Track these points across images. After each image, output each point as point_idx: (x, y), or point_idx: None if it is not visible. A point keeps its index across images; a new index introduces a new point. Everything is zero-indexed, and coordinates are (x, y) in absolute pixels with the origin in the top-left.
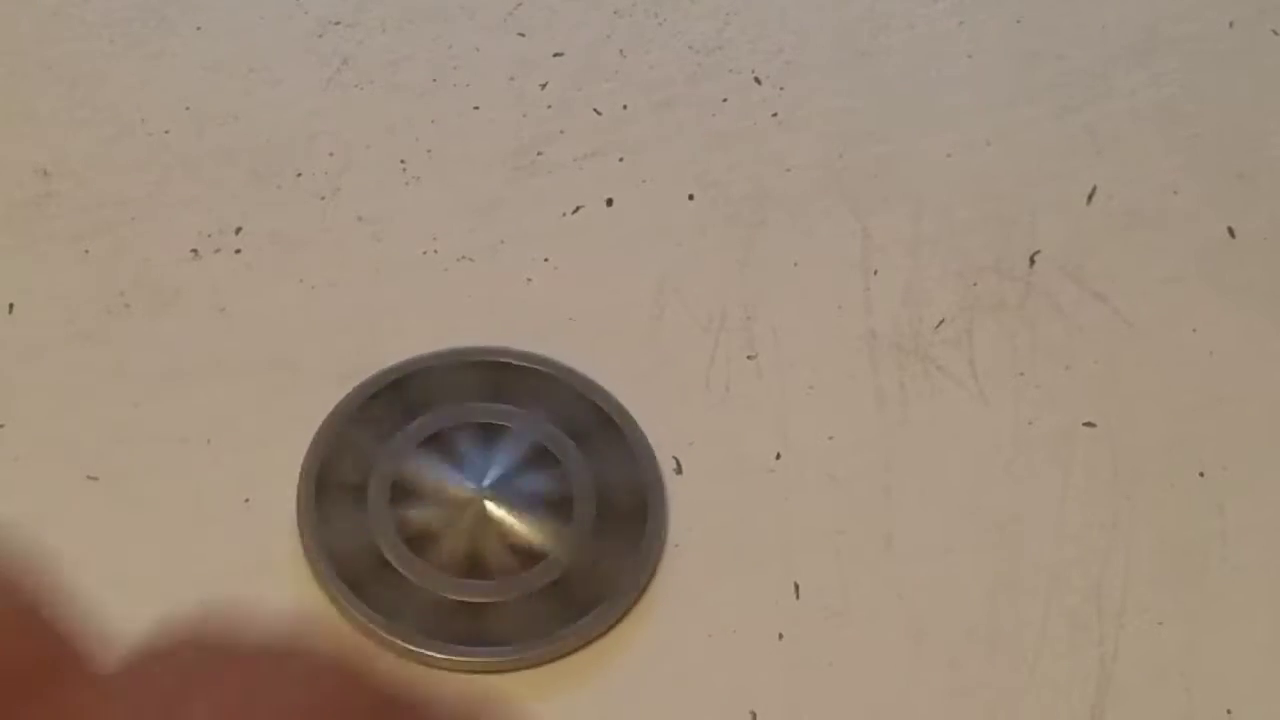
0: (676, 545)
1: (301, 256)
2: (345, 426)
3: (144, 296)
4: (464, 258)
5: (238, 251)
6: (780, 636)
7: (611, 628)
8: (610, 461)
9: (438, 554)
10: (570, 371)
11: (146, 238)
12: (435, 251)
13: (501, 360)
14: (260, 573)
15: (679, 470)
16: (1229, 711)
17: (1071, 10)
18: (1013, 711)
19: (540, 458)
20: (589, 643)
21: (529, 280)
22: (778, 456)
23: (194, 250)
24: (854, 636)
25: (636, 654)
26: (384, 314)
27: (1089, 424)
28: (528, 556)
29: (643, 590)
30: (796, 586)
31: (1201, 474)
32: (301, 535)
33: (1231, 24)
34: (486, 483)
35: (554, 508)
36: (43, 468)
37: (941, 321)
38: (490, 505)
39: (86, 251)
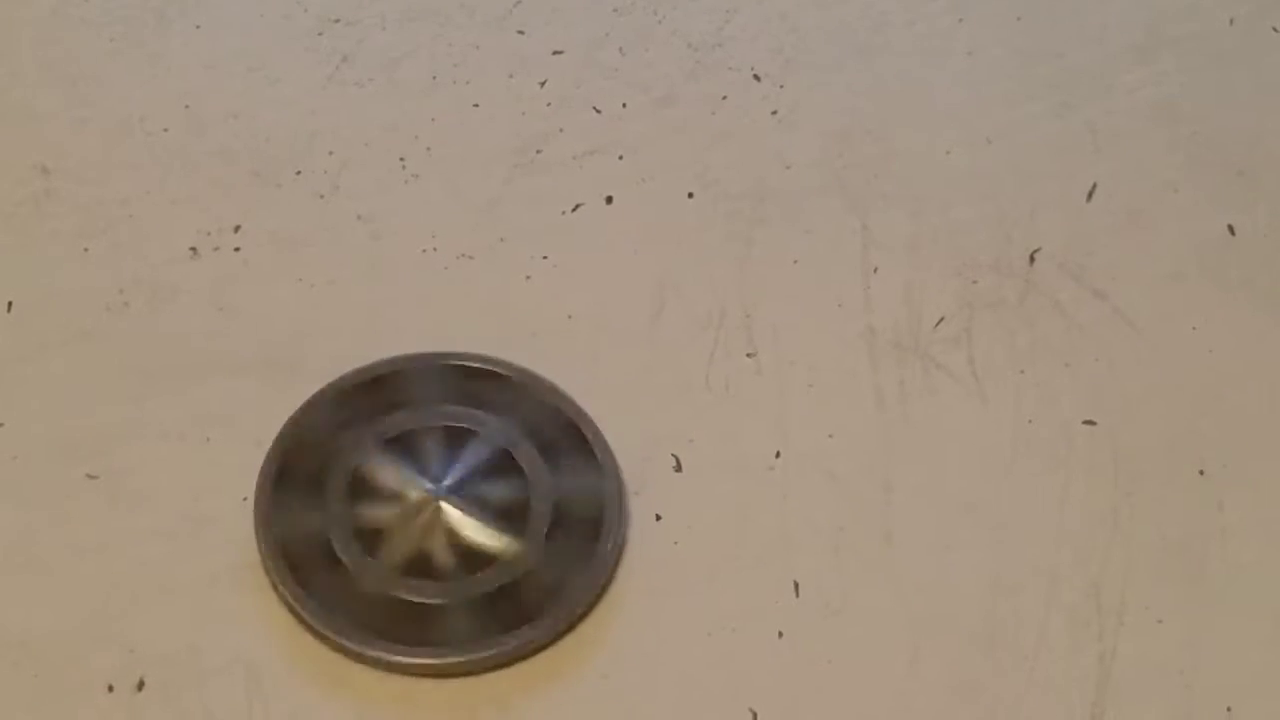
0: (676, 544)
1: (301, 255)
2: (312, 423)
3: (144, 296)
4: (463, 256)
5: (237, 250)
6: (780, 635)
7: (562, 636)
8: (573, 473)
9: (388, 552)
10: (541, 380)
11: (146, 237)
12: (435, 250)
13: (474, 365)
14: (239, 572)
15: (679, 469)
16: (1229, 710)
17: (1071, 9)
18: (1013, 711)
19: (503, 464)
20: (541, 649)
21: (528, 278)
22: (777, 455)
23: (194, 249)
24: (854, 636)
25: (620, 654)
26: (383, 312)
27: (1089, 422)
28: (476, 561)
29: (595, 601)
30: (796, 586)
31: (1201, 472)
32: (256, 531)
33: (1232, 22)
34: (445, 484)
35: (510, 515)
36: (43, 468)
37: (941, 320)
38: (446, 507)
39: (86, 251)
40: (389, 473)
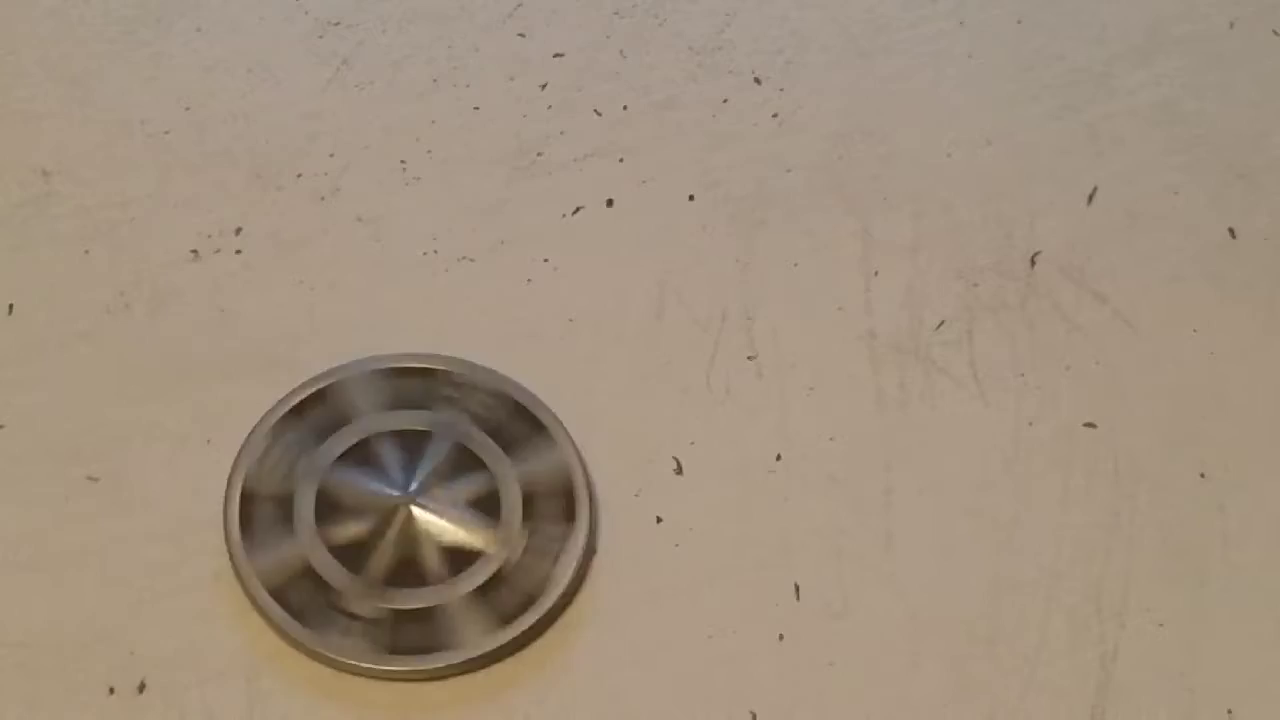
0: (676, 546)
1: (301, 257)
2: (266, 448)
3: (144, 296)
4: (464, 258)
5: (238, 252)
6: (781, 638)
7: (554, 621)
8: (531, 454)
9: (371, 566)
10: (487, 371)
11: (146, 238)
12: (435, 252)
13: (415, 366)
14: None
15: (679, 471)
16: (1230, 712)
17: (1071, 10)
18: (1013, 711)
19: (463, 459)
20: (535, 639)
21: (529, 281)
22: (778, 458)
23: (194, 252)
24: (855, 638)
25: (621, 655)
26: (384, 314)
27: (1089, 424)
28: (462, 557)
29: (579, 582)
30: (797, 588)
31: (1202, 474)
32: (237, 574)
33: (1232, 24)
34: (411, 489)
35: (482, 507)
36: (43, 469)
37: (942, 322)
38: (417, 511)
39: (86, 251)
40: (352, 487)
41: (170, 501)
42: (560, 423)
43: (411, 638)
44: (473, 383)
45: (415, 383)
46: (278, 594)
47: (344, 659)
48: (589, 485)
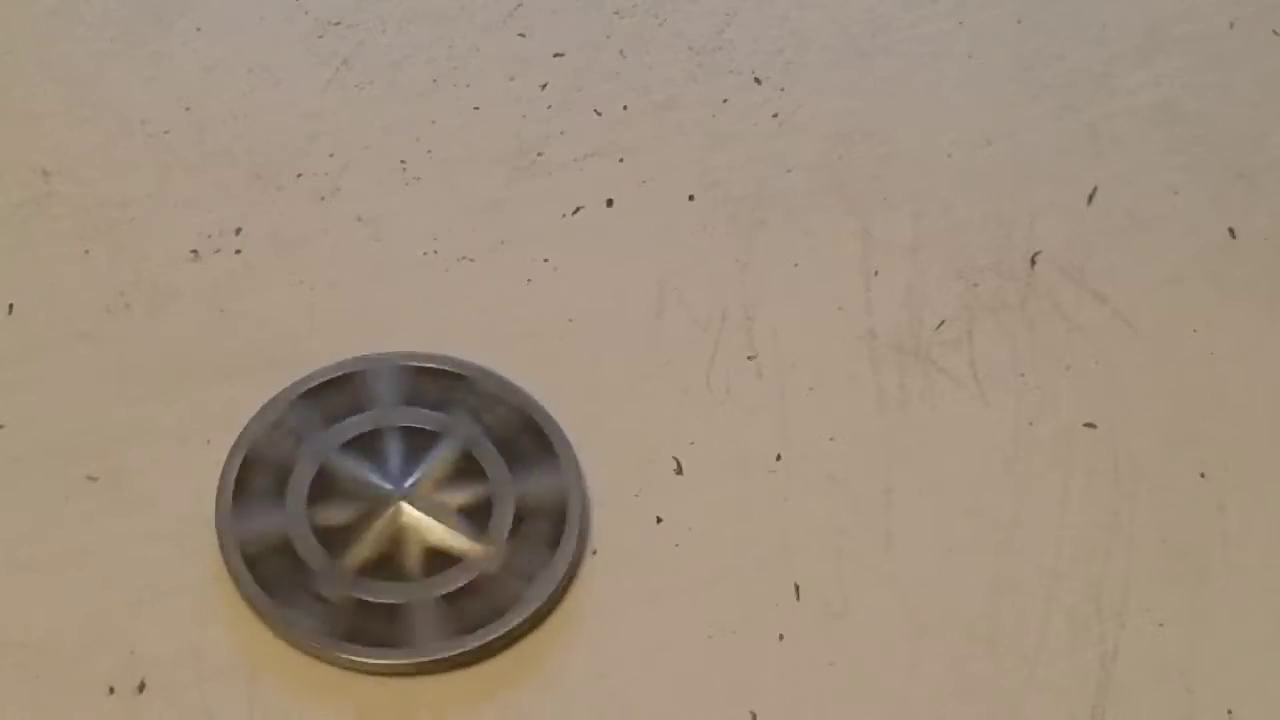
0: (676, 546)
1: (301, 257)
2: (275, 422)
3: (144, 296)
4: (464, 258)
5: (238, 252)
6: (781, 638)
7: (540, 625)
8: (534, 475)
9: (352, 553)
10: (502, 379)
11: (146, 238)
12: (435, 252)
13: (440, 368)
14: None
15: (679, 471)
16: (1230, 712)
17: (1071, 10)
18: (1013, 711)
19: (466, 467)
20: (515, 643)
21: (529, 281)
22: (778, 457)
23: (194, 250)
24: (855, 639)
25: (621, 655)
26: (384, 315)
27: (1089, 424)
28: (441, 560)
29: (558, 600)
30: (797, 588)
31: (1202, 474)
32: (218, 531)
33: (1232, 24)
34: (406, 486)
35: (473, 515)
36: (43, 469)
37: (942, 322)
38: (407, 508)
39: (86, 251)
40: (350, 473)
41: (170, 501)
42: (571, 447)
43: (372, 630)
44: (492, 393)
45: (435, 384)
46: (251, 561)
47: (296, 638)
48: (583, 515)
